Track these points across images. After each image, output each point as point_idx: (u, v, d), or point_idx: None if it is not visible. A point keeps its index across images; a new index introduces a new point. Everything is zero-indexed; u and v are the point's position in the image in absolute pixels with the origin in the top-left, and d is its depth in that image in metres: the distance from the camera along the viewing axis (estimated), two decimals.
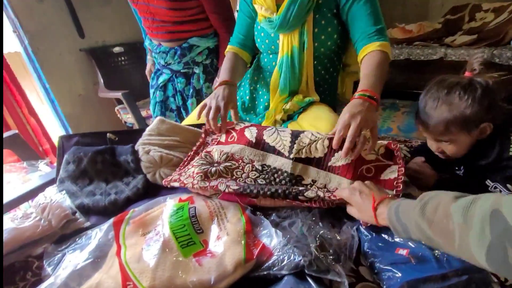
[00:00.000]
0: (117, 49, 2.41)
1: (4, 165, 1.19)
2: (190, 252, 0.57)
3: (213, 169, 0.76)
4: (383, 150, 0.76)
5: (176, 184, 0.75)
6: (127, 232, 0.62)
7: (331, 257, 0.53)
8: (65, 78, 2.25)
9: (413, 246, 0.56)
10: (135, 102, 2.13)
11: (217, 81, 1.25)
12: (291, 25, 0.99)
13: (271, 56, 1.12)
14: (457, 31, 2.47)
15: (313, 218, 0.64)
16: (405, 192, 0.69)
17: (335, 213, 0.68)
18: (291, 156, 0.76)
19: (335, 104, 1.21)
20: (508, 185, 0.67)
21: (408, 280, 0.49)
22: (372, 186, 0.62)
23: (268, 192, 0.66)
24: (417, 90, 0.80)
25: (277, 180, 0.74)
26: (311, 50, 1.04)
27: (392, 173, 0.70)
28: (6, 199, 0.84)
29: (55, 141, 0.88)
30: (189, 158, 0.87)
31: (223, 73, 1.08)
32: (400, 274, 0.50)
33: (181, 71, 1.49)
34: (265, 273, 0.54)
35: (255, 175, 0.75)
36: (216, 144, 0.88)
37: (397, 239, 0.58)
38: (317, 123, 1.00)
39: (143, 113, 2.16)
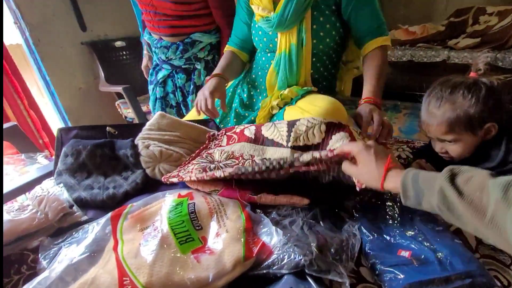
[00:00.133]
0: (118, 43, 2.39)
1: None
2: (189, 248, 0.56)
3: (213, 165, 0.75)
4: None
5: (175, 180, 0.75)
6: (125, 227, 0.61)
7: (332, 256, 0.52)
8: (65, 71, 2.23)
9: (415, 248, 0.55)
10: (136, 96, 2.12)
11: None
12: (289, 23, 0.98)
13: (268, 54, 1.12)
14: (460, 33, 2.47)
15: (314, 217, 0.63)
16: None
17: (337, 212, 0.67)
18: (289, 144, 0.76)
19: None
20: None
21: (411, 282, 0.48)
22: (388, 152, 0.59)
23: (263, 167, 0.64)
24: (419, 92, 0.79)
25: (277, 167, 0.72)
26: (310, 47, 1.03)
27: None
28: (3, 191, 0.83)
29: (55, 134, 0.87)
30: (190, 159, 0.86)
31: (216, 69, 1.14)
32: (402, 276, 0.50)
33: (182, 66, 1.47)
34: (264, 271, 0.53)
35: None
36: (218, 147, 0.87)
37: (399, 241, 0.58)
38: (316, 101, 0.99)
39: (144, 108, 2.14)
